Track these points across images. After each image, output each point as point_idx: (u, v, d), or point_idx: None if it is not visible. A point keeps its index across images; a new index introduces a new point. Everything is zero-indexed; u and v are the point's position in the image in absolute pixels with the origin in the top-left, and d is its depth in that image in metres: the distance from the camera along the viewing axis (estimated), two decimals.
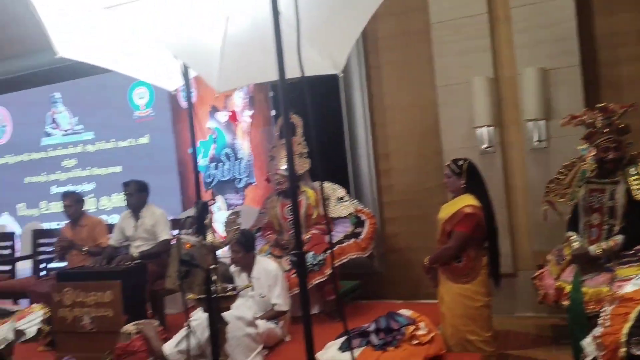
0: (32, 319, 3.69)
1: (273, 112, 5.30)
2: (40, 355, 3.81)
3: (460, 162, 3.44)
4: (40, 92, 6.49)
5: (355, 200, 4.71)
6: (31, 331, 3.63)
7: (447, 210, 3.41)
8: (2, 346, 3.26)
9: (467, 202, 3.32)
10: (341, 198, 4.60)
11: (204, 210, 2.26)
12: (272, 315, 3.85)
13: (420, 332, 3.27)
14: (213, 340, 2.27)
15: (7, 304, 4.35)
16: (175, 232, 4.77)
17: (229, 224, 2.59)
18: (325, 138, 4.88)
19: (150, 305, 4.41)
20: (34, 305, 3.94)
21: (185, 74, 2.30)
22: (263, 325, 3.61)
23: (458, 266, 3.33)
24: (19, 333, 3.50)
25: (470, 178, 3.39)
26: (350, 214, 4.55)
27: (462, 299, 3.31)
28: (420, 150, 4.88)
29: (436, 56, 4.52)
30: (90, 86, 6.14)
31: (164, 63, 2.41)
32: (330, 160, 5.02)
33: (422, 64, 4.74)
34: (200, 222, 2.24)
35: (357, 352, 3.13)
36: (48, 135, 6.52)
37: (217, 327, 2.30)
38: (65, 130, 6.42)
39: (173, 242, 4.54)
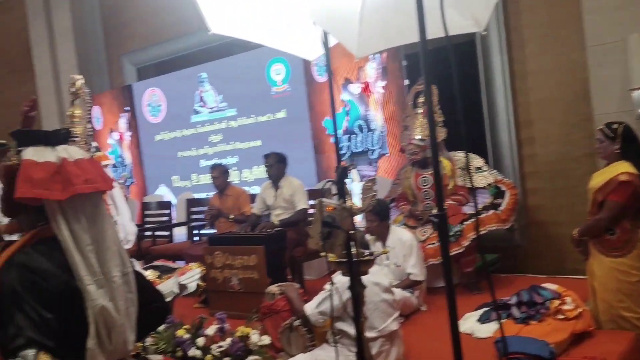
0: (191, 275, 4.09)
1: (406, 82, 5.24)
2: (196, 310, 4.19)
3: (615, 126, 3.15)
4: (189, 73, 7.00)
5: (494, 171, 4.54)
6: (192, 286, 4.04)
7: (599, 179, 3.16)
8: (170, 298, 3.65)
9: (622, 169, 3.04)
10: (479, 168, 4.46)
11: (343, 174, 2.32)
12: (408, 284, 3.88)
13: (566, 307, 3.11)
14: (354, 301, 2.34)
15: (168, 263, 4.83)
16: (312, 202, 4.95)
17: (365, 190, 2.62)
18: (462, 106, 4.72)
19: (289, 270, 4.66)
20: (191, 263, 4.37)
21: (325, 42, 2.36)
22: (399, 293, 3.64)
23: (611, 239, 3.08)
24: (182, 287, 3.92)
25: (626, 143, 3.09)
26: (489, 184, 4.40)
27: (616, 273, 3.07)
28: (567, 117, 4.56)
29: (586, 13, 4.16)
30: (232, 65, 6.51)
31: (304, 32, 2.49)
32: (467, 129, 4.86)
33: (570, 23, 4.40)
34: (340, 186, 2.30)
35: (497, 324, 3.05)
36: (196, 112, 7.04)
37: (357, 289, 2.36)
38: (211, 108, 6.89)
39: (310, 211, 4.76)
